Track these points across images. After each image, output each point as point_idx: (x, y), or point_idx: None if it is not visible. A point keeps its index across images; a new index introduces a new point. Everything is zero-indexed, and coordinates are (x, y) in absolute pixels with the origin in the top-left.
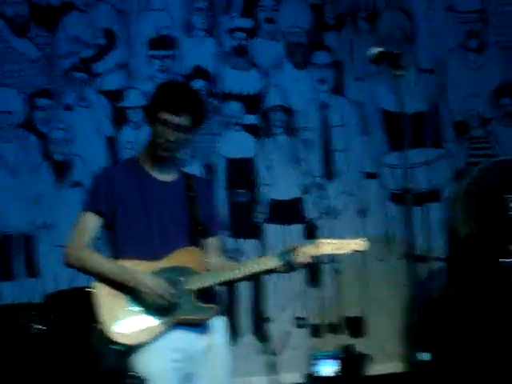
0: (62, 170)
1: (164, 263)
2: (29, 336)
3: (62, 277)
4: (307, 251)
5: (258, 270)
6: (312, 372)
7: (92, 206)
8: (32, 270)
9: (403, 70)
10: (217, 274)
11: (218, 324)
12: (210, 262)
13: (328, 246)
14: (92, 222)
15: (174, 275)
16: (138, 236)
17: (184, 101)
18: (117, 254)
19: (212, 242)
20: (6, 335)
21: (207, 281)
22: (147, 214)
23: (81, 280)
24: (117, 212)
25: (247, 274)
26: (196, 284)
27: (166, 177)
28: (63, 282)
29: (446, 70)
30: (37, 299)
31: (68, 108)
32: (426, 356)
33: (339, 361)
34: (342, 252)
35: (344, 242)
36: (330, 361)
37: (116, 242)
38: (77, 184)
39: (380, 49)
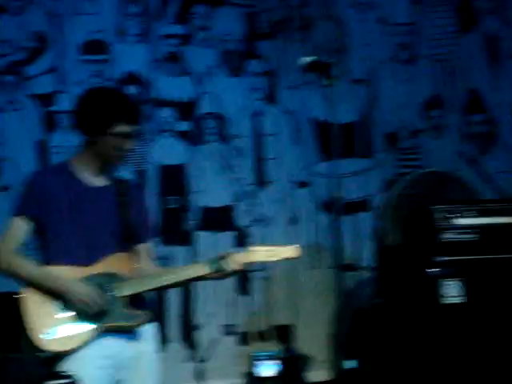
0: None
1: (93, 269)
2: None
3: None
4: (239, 258)
5: (188, 277)
6: (252, 372)
7: (22, 210)
8: None
9: (333, 80)
10: (147, 281)
11: (148, 331)
12: (141, 268)
13: (260, 254)
14: (21, 227)
15: (103, 282)
16: (68, 242)
17: (136, 110)
18: (46, 259)
19: (143, 248)
20: None
21: (136, 287)
22: (77, 220)
23: (6, 286)
24: (47, 217)
25: (178, 280)
26: (125, 290)
27: (98, 182)
28: None
29: (377, 80)
30: None
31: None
32: (352, 363)
33: (280, 361)
34: (274, 259)
35: (276, 249)
36: (271, 361)
37: (46, 248)
38: (5, 188)
39: (311, 58)
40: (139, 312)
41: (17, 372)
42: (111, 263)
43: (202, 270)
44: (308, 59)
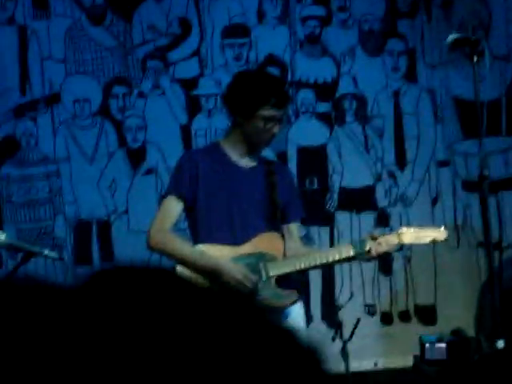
0: (136, 157)
1: (244, 249)
2: None
3: (137, 261)
4: (389, 240)
5: (334, 259)
6: (423, 355)
7: (175, 189)
8: (108, 256)
9: (481, 56)
10: (295, 261)
11: (296, 310)
12: (288, 248)
13: (409, 235)
14: (174, 206)
15: (253, 261)
16: (219, 221)
17: (285, 94)
18: (196, 238)
19: (292, 227)
20: None
21: (286, 268)
22: (228, 200)
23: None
24: (198, 196)
25: (324, 262)
26: (275, 270)
27: (248, 163)
28: None
29: None
30: None
31: (142, 96)
32: (500, 343)
33: (447, 344)
34: (422, 241)
35: (424, 231)
36: (439, 344)
37: (196, 227)
38: (150, 171)
39: (457, 35)
40: (289, 291)
41: None
42: (261, 243)
43: (347, 252)
44: (454, 36)
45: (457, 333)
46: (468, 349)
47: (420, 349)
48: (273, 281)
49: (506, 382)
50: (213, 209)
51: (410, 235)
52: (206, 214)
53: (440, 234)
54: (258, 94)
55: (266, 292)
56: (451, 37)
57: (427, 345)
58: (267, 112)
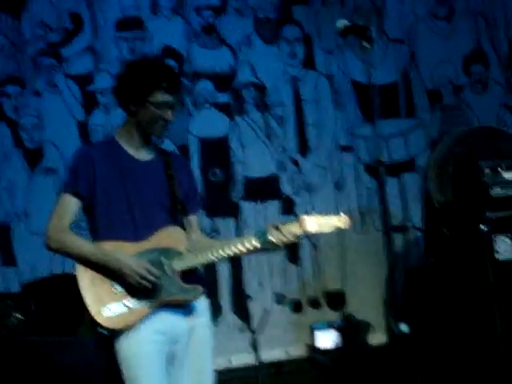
0: (33, 156)
1: (146, 245)
2: (8, 326)
3: (39, 265)
4: (291, 229)
5: (240, 251)
6: (313, 343)
7: (71, 187)
8: (9, 259)
9: (370, 43)
10: (199, 255)
11: (201, 305)
12: (192, 240)
13: (312, 224)
14: (71, 204)
15: (156, 256)
16: (119, 217)
17: (176, 79)
18: (97, 236)
19: (193, 219)
20: None
21: (190, 261)
22: (127, 194)
23: (58, 267)
24: (96, 193)
25: (230, 254)
26: (179, 264)
27: (145, 156)
28: (40, 271)
29: (416, 38)
30: (14, 288)
31: (37, 94)
32: (405, 327)
33: (339, 331)
34: (325, 229)
35: (327, 218)
36: (331, 331)
37: (96, 224)
38: (49, 170)
39: (345, 21)
40: (194, 286)
41: (73, 355)
42: (164, 238)
43: (251, 243)
44: (342, 23)
45: (347, 318)
46: (359, 333)
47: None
48: (177, 276)
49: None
50: (112, 205)
51: (311, 223)
52: (105, 210)
53: (343, 221)
54: (147, 79)
55: (171, 287)
56: (340, 23)
57: (317, 333)
58: (159, 97)
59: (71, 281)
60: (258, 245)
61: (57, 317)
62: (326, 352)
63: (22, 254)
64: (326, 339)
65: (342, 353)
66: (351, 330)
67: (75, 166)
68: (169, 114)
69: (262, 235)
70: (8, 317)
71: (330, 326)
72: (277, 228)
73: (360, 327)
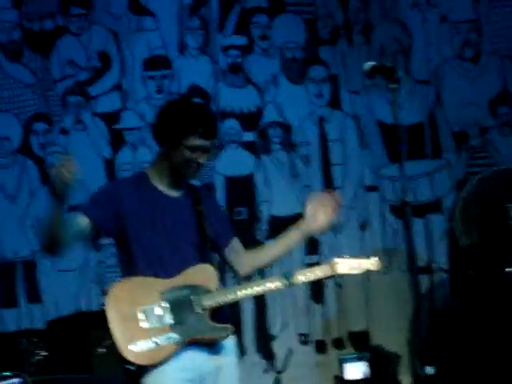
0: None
1: (176, 281)
2: (32, 363)
3: (64, 302)
4: (322, 273)
5: (267, 289)
6: (341, 375)
7: (84, 209)
8: (34, 296)
9: (397, 83)
10: (227, 292)
11: (228, 343)
12: (243, 263)
13: (343, 266)
14: (78, 220)
15: (186, 293)
16: (150, 254)
17: (212, 124)
18: (127, 271)
19: (233, 243)
20: (9, 362)
21: (219, 299)
22: (159, 231)
23: (83, 305)
24: (127, 227)
25: (256, 293)
26: (209, 302)
27: (175, 193)
28: (64, 308)
29: (442, 80)
30: (39, 325)
31: (64, 132)
32: (430, 370)
33: (367, 362)
34: (356, 272)
35: (358, 261)
36: (359, 363)
37: (126, 260)
38: (75, 208)
39: (373, 63)
40: (223, 325)
41: None
42: (193, 275)
43: (277, 284)
44: (370, 64)
45: (375, 350)
46: (389, 364)
47: (339, 370)
48: (206, 314)
49: None
50: (142, 241)
51: (344, 266)
52: (135, 246)
53: (374, 264)
54: (184, 123)
55: (201, 325)
56: (367, 64)
57: (346, 364)
58: (193, 142)
59: (95, 318)
60: (283, 286)
61: (79, 355)
62: (353, 382)
63: (47, 291)
64: (355, 371)
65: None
66: (380, 361)
67: (97, 195)
68: (203, 158)
69: (287, 277)
70: (33, 354)
71: (358, 358)
72: (302, 272)
73: (389, 358)
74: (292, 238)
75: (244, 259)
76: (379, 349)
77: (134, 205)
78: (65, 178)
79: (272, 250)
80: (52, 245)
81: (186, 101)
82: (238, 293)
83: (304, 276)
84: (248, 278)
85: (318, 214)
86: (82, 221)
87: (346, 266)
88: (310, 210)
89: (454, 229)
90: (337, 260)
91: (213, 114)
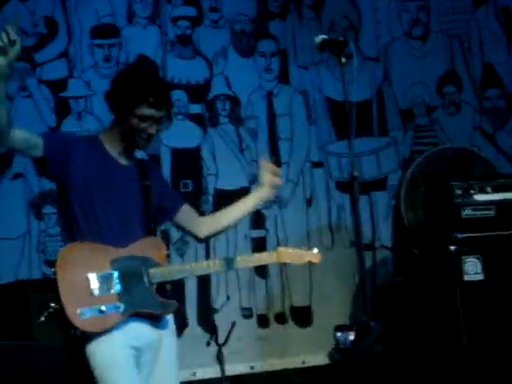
0: (2, 161)
1: (127, 251)
2: None
3: (4, 271)
4: (264, 259)
5: (208, 272)
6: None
7: (43, 134)
8: None
9: (348, 58)
10: (176, 271)
11: (168, 318)
12: (198, 224)
13: (286, 255)
14: (34, 137)
15: (136, 264)
16: (102, 218)
17: (164, 95)
18: (76, 231)
19: (186, 209)
20: None
21: (167, 275)
22: (105, 195)
23: (23, 273)
24: (71, 180)
25: (199, 274)
26: (157, 277)
27: (125, 162)
28: (4, 276)
29: (390, 57)
30: None
31: (9, 98)
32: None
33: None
34: (298, 262)
35: (301, 252)
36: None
37: (75, 219)
38: (18, 175)
39: (324, 36)
40: (168, 301)
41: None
42: (145, 247)
43: (219, 268)
44: (321, 38)
45: None
46: None
47: None
48: (154, 287)
49: None
50: (87, 204)
51: (286, 255)
52: (86, 206)
53: (315, 257)
54: (135, 91)
55: (148, 299)
56: (319, 37)
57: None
58: (144, 111)
59: (35, 286)
60: (224, 271)
61: (19, 322)
62: None
63: None
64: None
65: None
66: None
67: (56, 133)
68: (152, 128)
69: (230, 263)
70: None
71: None
72: (246, 259)
73: None
74: (249, 202)
75: (201, 223)
76: None
77: (83, 162)
78: (5, 47)
79: (229, 213)
80: None
81: (141, 69)
82: (185, 272)
83: (247, 262)
84: (207, 240)
85: (269, 180)
86: (37, 140)
87: (289, 255)
88: (264, 176)
89: (399, 206)
90: (281, 249)
91: (166, 84)
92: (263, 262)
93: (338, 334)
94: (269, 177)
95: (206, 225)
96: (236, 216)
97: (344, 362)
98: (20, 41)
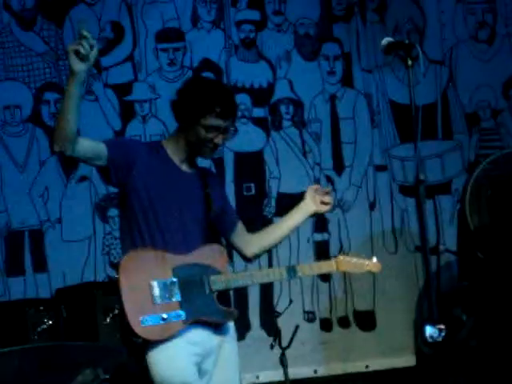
0: (69, 164)
1: (188, 258)
2: (39, 332)
3: (70, 272)
4: (325, 269)
5: (270, 281)
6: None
7: (107, 141)
8: (40, 266)
9: (414, 61)
10: (237, 279)
11: (230, 325)
12: (249, 241)
13: (347, 264)
14: (99, 145)
15: (197, 272)
16: (160, 224)
17: (231, 105)
18: (136, 236)
19: (239, 226)
20: (16, 331)
21: (228, 283)
22: (167, 202)
23: (89, 275)
24: (135, 184)
25: (262, 282)
26: (218, 285)
27: (187, 169)
28: (70, 278)
29: (456, 61)
30: (44, 295)
31: None
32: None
33: None
34: (357, 271)
35: (361, 261)
36: None
37: (137, 223)
38: (84, 178)
39: (391, 39)
40: (229, 309)
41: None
42: (206, 254)
43: (280, 277)
44: (389, 39)
45: None
46: None
47: None
48: (215, 296)
49: None
50: (155, 209)
51: (346, 264)
52: (148, 212)
53: (376, 266)
54: (202, 101)
55: (208, 307)
56: (385, 40)
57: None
58: (210, 121)
59: (101, 287)
60: (286, 279)
61: (85, 324)
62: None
63: (54, 260)
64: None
65: None
66: None
67: (119, 139)
68: (219, 138)
69: (292, 272)
70: (39, 323)
71: None
72: (308, 268)
73: None
74: (295, 218)
75: (250, 241)
76: None
77: (146, 169)
78: (82, 54)
79: (277, 231)
80: (62, 130)
81: (207, 79)
82: (247, 280)
83: (308, 271)
84: (255, 259)
85: (317, 198)
86: (101, 148)
87: (349, 264)
88: (310, 193)
89: (464, 210)
90: (340, 258)
91: (232, 94)
92: (323, 271)
93: (428, 327)
94: (317, 195)
95: (255, 243)
96: (283, 234)
97: (434, 357)
98: (97, 45)
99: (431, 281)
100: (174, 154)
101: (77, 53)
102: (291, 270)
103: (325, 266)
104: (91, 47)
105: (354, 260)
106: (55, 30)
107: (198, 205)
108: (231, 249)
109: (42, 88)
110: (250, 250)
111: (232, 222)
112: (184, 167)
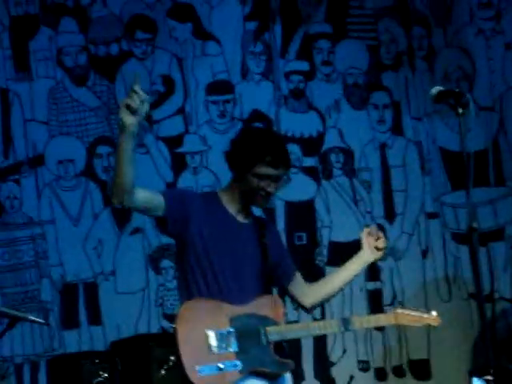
0: (122, 216)
1: (245, 309)
2: None
3: (124, 324)
4: (382, 321)
5: (322, 333)
6: None
7: (164, 192)
8: (95, 318)
9: (465, 109)
10: (292, 329)
11: (286, 376)
12: (305, 294)
13: (405, 318)
14: (157, 196)
15: (254, 323)
16: (216, 275)
17: (282, 153)
18: (192, 288)
19: (297, 276)
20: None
21: (285, 334)
22: (224, 252)
23: (143, 327)
24: (193, 237)
25: (317, 334)
26: (275, 336)
27: (243, 219)
28: (125, 330)
29: (506, 107)
30: (99, 347)
31: None
32: None
33: None
34: (417, 325)
35: (420, 315)
36: None
37: (194, 274)
38: (137, 230)
39: (440, 87)
40: (285, 360)
41: None
42: (263, 305)
43: (335, 329)
44: (439, 88)
45: None
46: None
47: None
48: (272, 346)
49: None
50: (212, 260)
51: (405, 317)
52: (204, 263)
53: (435, 320)
54: (253, 151)
55: (265, 357)
56: (435, 89)
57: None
58: (261, 170)
59: (156, 340)
60: (340, 331)
61: (140, 376)
62: None
63: (108, 313)
64: None
65: None
66: None
67: (176, 190)
68: (271, 187)
69: (346, 324)
70: (95, 375)
71: None
72: (367, 320)
73: None
74: (351, 268)
75: (307, 292)
76: None
77: (202, 220)
78: (133, 108)
79: (333, 282)
80: (119, 183)
81: (258, 129)
82: (302, 331)
83: (364, 323)
84: (314, 309)
85: (372, 244)
86: (158, 199)
87: (408, 318)
88: (364, 240)
89: None
90: (399, 311)
91: (283, 144)
92: (381, 324)
93: (475, 379)
94: (371, 240)
95: (312, 293)
96: (340, 284)
97: None
98: (148, 99)
99: (486, 329)
100: (230, 204)
101: (128, 107)
102: (346, 322)
103: (383, 319)
104: (142, 102)
105: (413, 313)
106: (107, 85)
107: (255, 255)
108: (284, 297)
109: (95, 142)
110: (307, 301)
111: (290, 272)
112: (240, 217)
